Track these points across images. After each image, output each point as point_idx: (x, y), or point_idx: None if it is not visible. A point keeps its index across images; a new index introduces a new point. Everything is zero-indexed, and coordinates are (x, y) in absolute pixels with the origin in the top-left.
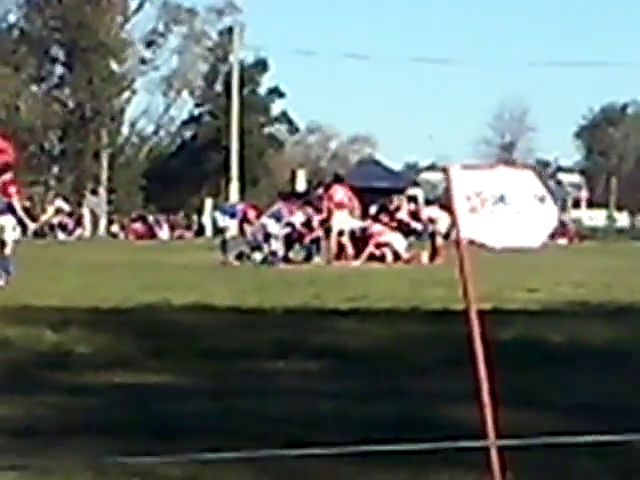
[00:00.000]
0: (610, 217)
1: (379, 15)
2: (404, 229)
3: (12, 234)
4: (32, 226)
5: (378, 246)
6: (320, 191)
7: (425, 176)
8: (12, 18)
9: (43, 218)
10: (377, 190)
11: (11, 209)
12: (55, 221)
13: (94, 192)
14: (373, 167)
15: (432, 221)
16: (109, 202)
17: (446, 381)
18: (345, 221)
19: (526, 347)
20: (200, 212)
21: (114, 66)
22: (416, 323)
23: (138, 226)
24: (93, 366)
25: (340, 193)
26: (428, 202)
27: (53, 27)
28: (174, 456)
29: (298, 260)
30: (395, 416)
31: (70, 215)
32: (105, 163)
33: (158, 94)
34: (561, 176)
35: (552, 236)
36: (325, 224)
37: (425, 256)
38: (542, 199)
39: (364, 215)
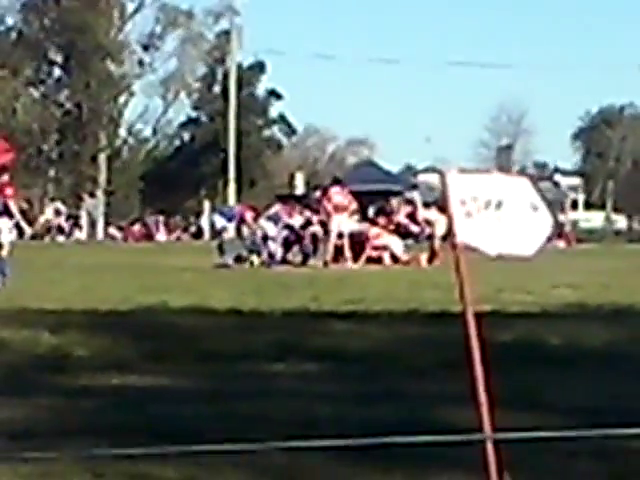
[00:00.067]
0: (607, 219)
1: (378, 16)
2: (402, 231)
3: (8, 236)
4: (29, 230)
5: (375, 249)
6: (318, 193)
7: (423, 178)
8: (10, 21)
9: (42, 218)
10: (375, 192)
11: (7, 211)
12: (53, 223)
13: (92, 195)
14: (371, 169)
15: (429, 223)
16: (107, 204)
17: (444, 383)
18: (344, 224)
19: (524, 349)
20: (198, 214)
21: (112, 69)
22: (414, 325)
23: (136, 228)
24: (91, 368)
25: (339, 196)
26: (426, 204)
27: (51, 30)
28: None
29: (296, 262)
30: (393, 418)
31: (68, 217)
32: (103, 165)
33: (156, 96)
34: (559, 178)
35: (549, 238)
36: (323, 226)
37: (424, 258)
38: (536, 208)
39: (362, 218)
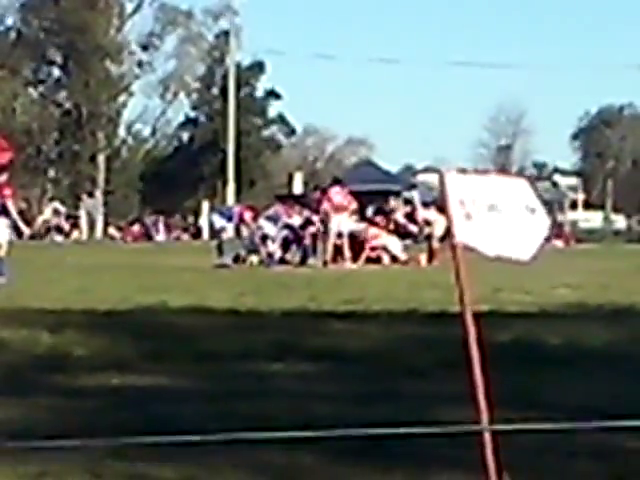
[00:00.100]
0: (607, 219)
1: (377, 17)
2: (400, 231)
3: (6, 236)
4: (27, 231)
5: (373, 249)
6: (317, 193)
7: (422, 178)
8: (9, 21)
9: (40, 218)
10: (374, 192)
11: (5, 211)
12: (52, 224)
13: (91, 195)
14: (370, 169)
15: (428, 223)
16: (106, 204)
17: (443, 383)
18: (344, 223)
19: (523, 349)
20: (197, 214)
21: (111, 69)
22: (413, 325)
23: (135, 228)
24: (90, 368)
25: (339, 196)
26: (425, 204)
27: (50, 30)
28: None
29: (295, 262)
30: (392, 418)
31: (67, 218)
32: (102, 165)
33: (155, 96)
34: (558, 178)
35: (548, 238)
36: (323, 226)
37: (423, 258)
38: (533, 210)
39: (361, 217)
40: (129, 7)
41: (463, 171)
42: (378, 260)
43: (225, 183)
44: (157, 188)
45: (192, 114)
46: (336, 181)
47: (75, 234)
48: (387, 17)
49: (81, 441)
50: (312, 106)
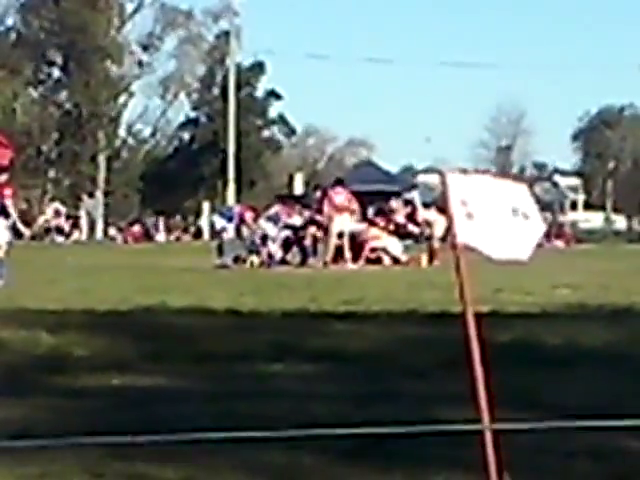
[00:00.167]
0: (607, 219)
1: (376, 17)
2: (401, 232)
3: (5, 237)
4: (26, 231)
5: (373, 251)
6: (318, 194)
7: (422, 179)
8: (9, 21)
9: (41, 219)
10: (374, 193)
11: (4, 212)
12: (52, 224)
13: (91, 195)
14: (370, 170)
15: (429, 224)
16: (106, 205)
17: (443, 384)
18: (346, 224)
19: (523, 349)
20: (197, 215)
21: (111, 69)
22: (413, 326)
23: (135, 229)
24: (90, 369)
25: (340, 196)
26: (425, 205)
27: (50, 30)
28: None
29: (295, 263)
30: (392, 418)
31: (67, 218)
32: (102, 166)
33: (155, 97)
34: (558, 179)
35: (548, 238)
36: (324, 226)
37: (424, 259)
38: (527, 216)
39: (361, 218)
40: (129, 7)
41: (464, 171)
42: (378, 261)
43: (225, 183)
44: (157, 188)
45: (192, 114)
46: (338, 181)
47: (75, 234)
48: (387, 17)
49: (81, 441)
50: (312, 107)
